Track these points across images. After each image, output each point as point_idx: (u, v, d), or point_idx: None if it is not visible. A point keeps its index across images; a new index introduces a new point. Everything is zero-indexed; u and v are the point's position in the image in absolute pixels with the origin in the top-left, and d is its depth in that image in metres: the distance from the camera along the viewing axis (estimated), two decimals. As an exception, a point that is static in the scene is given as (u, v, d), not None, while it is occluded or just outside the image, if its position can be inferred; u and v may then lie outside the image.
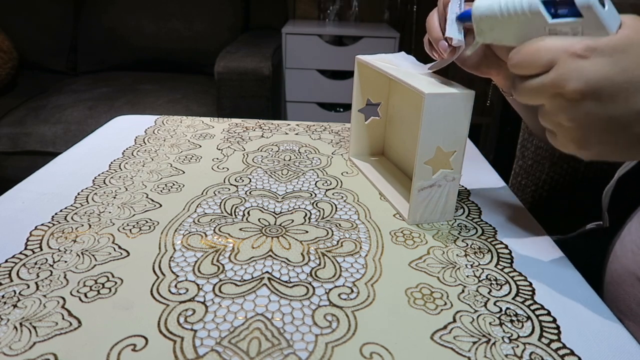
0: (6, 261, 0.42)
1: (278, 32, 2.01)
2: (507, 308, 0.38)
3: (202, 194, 0.55)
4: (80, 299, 0.38)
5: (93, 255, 0.43)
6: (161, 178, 0.59)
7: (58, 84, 1.80)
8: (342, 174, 0.62)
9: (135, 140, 0.71)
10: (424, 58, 0.53)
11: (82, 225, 0.48)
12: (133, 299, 0.38)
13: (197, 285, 0.40)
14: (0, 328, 0.34)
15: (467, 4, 0.43)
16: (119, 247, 0.44)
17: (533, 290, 0.41)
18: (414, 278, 0.42)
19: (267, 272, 0.42)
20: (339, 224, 0.50)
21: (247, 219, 0.50)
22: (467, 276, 0.42)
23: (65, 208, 0.51)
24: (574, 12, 0.33)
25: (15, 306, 0.37)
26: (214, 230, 0.48)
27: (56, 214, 0.50)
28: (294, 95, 2.09)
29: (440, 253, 0.46)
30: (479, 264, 0.44)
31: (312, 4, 2.34)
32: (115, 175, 0.59)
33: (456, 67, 0.48)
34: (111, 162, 0.63)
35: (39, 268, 0.41)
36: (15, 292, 0.38)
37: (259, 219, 0.50)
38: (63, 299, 0.37)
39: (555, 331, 0.36)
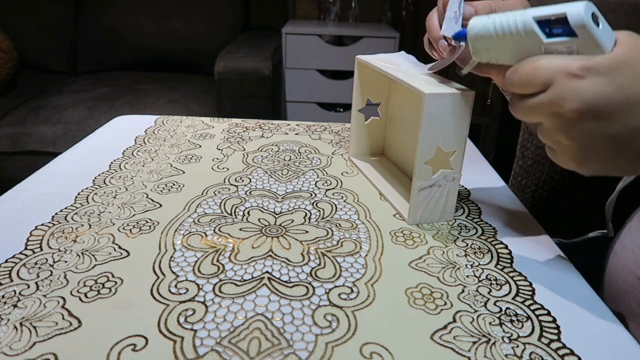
0: (6, 261, 0.42)
1: (278, 32, 2.01)
2: (507, 308, 0.38)
3: (202, 194, 0.55)
4: (80, 299, 0.38)
5: (93, 255, 0.43)
6: (161, 178, 0.59)
7: (58, 84, 1.80)
8: (342, 174, 0.62)
9: (135, 140, 0.71)
10: (424, 58, 0.53)
11: (82, 225, 0.48)
12: (133, 299, 0.38)
13: (197, 285, 0.40)
14: (0, 328, 0.34)
15: (467, 4, 0.43)
16: (119, 247, 0.44)
17: (533, 290, 0.41)
18: (414, 278, 0.42)
19: (267, 272, 0.42)
20: (339, 224, 0.50)
21: (247, 219, 0.50)
22: (467, 276, 0.42)
23: (66, 208, 0.51)
24: (568, 32, 0.33)
25: (15, 306, 0.37)
26: (214, 230, 0.48)
27: (56, 214, 0.50)
28: (294, 95, 2.09)
29: (440, 253, 0.46)
30: (479, 264, 0.44)
31: (312, 4, 2.34)
32: (115, 175, 0.59)
33: (456, 67, 0.48)
34: (111, 162, 0.63)
35: (39, 268, 0.41)
36: (15, 292, 0.38)
37: (259, 219, 0.50)
38: (63, 299, 0.37)
39: (555, 331, 0.36)
